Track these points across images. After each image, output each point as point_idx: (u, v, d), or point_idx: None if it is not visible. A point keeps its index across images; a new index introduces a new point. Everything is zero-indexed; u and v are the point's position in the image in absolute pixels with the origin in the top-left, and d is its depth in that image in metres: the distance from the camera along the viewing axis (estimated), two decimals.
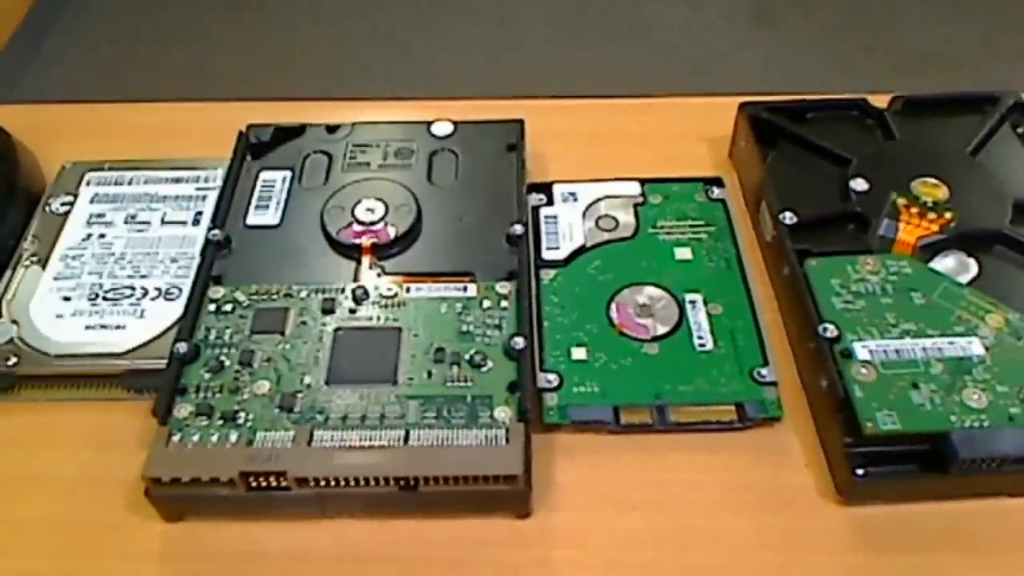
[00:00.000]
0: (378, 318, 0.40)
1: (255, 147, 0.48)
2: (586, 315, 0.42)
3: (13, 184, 0.47)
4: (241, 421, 0.36)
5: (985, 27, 1.42)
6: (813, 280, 0.41)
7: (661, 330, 0.42)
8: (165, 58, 1.42)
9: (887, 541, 0.36)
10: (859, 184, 0.45)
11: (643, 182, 0.48)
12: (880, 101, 0.50)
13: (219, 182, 0.47)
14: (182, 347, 0.39)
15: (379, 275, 0.42)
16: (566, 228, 0.46)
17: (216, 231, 0.43)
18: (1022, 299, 0.40)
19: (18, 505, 0.38)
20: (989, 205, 0.44)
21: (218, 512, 0.37)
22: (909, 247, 0.42)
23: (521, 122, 0.49)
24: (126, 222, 0.46)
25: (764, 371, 0.40)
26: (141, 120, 0.55)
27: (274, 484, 0.35)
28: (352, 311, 0.40)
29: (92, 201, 0.47)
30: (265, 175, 0.47)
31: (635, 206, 0.47)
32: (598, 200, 0.48)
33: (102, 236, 0.46)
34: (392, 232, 0.44)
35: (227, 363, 0.38)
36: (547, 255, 0.45)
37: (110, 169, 0.49)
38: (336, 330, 0.40)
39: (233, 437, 0.36)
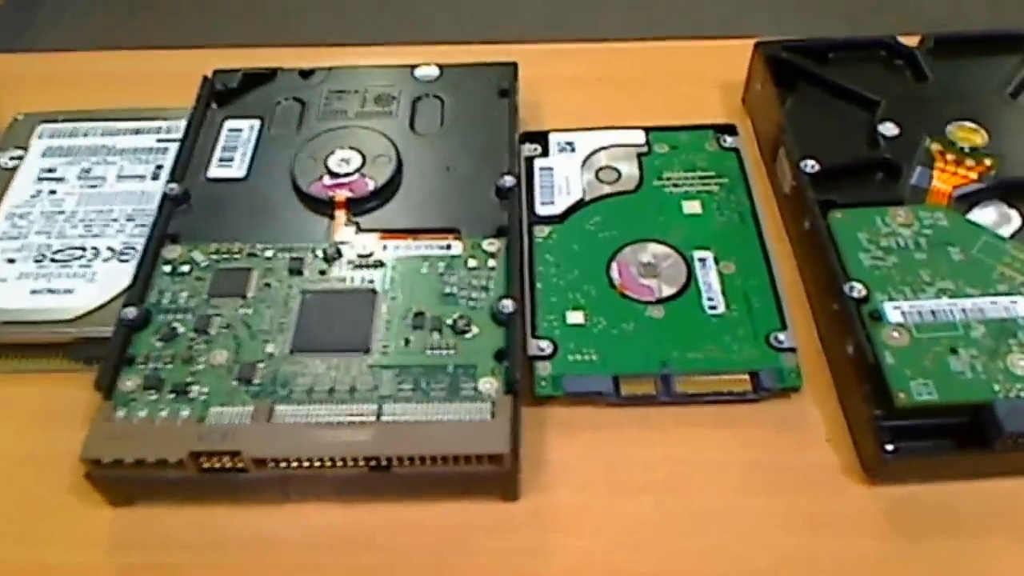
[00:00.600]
0: (351, 279, 0.36)
1: (221, 94, 0.44)
2: (584, 275, 0.38)
3: None
4: (194, 395, 0.33)
5: None
6: (838, 234, 0.37)
7: (667, 291, 0.38)
8: (133, 4, 1.37)
9: (921, 524, 0.32)
10: (888, 129, 0.40)
11: (648, 130, 0.44)
12: (910, 41, 0.45)
13: (183, 133, 0.43)
14: (130, 312, 0.35)
15: (355, 232, 0.38)
16: (562, 181, 0.42)
17: (174, 185, 0.39)
18: None
19: None
20: None
21: (170, 495, 0.33)
22: (944, 197, 0.38)
23: (514, 65, 0.45)
24: (79, 177, 0.42)
25: (782, 336, 0.36)
26: (102, 69, 0.51)
27: (228, 465, 0.31)
28: (323, 272, 0.36)
29: (44, 155, 0.43)
30: (231, 124, 0.43)
31: (639, 156, 0.43)
32: (598, 150, 0.43)
33: (52, 192, 0.42)
34: (369, 185, 0.39)
35: (181, 330, 0.35)
36: (541, 210, 0.41)
37: (64, 120, 0.45)
38: (304, 293, 0.35)
39: (185, 413, 0.32)
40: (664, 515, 0.33)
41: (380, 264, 0.37)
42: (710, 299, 0.37)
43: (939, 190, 0.38)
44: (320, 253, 0.37)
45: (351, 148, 0.41)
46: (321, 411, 0.32)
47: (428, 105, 0.44)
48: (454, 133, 0.42)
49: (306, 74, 0.45)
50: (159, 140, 0.44)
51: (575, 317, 0.37)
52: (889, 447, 0.32)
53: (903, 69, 0.45)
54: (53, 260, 0.39)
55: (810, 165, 0.39)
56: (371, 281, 0.36)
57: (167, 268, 0.37)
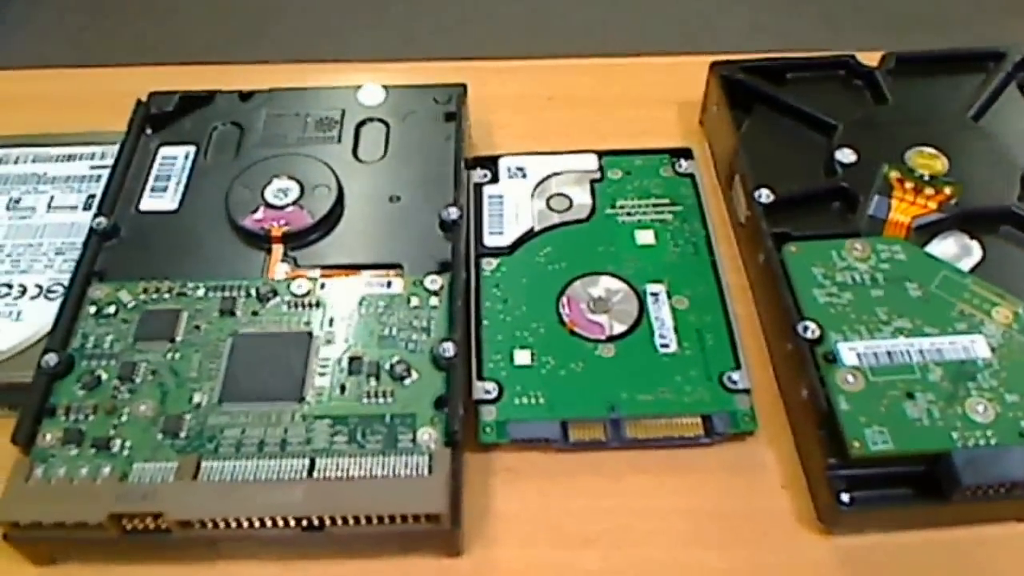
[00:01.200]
0: (286, 321, 0.34)
1: (156, 118, 0.42)
2: (532, 312, 0.37)
3: None
4: (116, 449, 0.31)
5: None
6: (792, 269, 0.35)
7: (618, 329, 0.36)
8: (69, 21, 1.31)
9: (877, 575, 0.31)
10: (846, 155, 0.39)
11: (601, 155, 0.43)
12: (870, 60, 0.44)
13: (113, 162, 0.41)
14: (52, 359, 0.33)
15: (291, 268, 0.36)
16: (512, 209, 0.41)
17: (101, 218, 0.37)
18: None
19: None
20: (994, 178, 0.38)
21: (94, 555, 0.31)
22: (903, 228, 0.37)
23: (462, 87, 0.43)
24: (8, 208, 0.40)
25: (735, 376, 0.34)
26: (34, 89, 0.49)
27: (152, 527, 0.29)
28: (256, 313, 0.35)
29: None
30: (165, 151, 0.41)
31: (592, 182, 0.42)
32: (550, 176, 0.42)
33: None
34: (307, 218, 0.38)
35: (104, 377, 0.33)
36: (490, 241, 0.39)
37: None
38: (235, 336, 0.34)
39: (106, 470, 0.30)
40: (613, 569, 0.31)
41: (317, 304, 0.35)
42: (662, 336, 0.36)
43: (897, 221, 0.37)
44: (254, 292, 0.35)
45: (289, 177, 0.39)
46: (250, 467, 0.30)
47: (372, 130, 0.42)
48: (399, 160, 0.41)
49: (245, 96, 0.43)
50: (92, 167, 0.42)
51: (522, 357, 0.35)
52: (844, 496, 0.31)
53: (862, 90, 0.43)
54: None
55: (765, 195, 0.37)
56: (307, 323, 0.34)
57: (92, 309, 0.35)
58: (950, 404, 0.31)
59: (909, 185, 0.38)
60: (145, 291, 0.35)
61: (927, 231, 0.37)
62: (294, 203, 0.38)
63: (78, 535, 0.30)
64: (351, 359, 0.33)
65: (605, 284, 0.38)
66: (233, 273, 0.36)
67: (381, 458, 0.30)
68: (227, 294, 0.35)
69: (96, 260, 0.37)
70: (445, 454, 0.31)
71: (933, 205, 0.37)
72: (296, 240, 0.37)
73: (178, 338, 0.34)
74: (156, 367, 0.33)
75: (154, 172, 0.40)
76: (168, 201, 0.39)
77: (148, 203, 0.39)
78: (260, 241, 0.37)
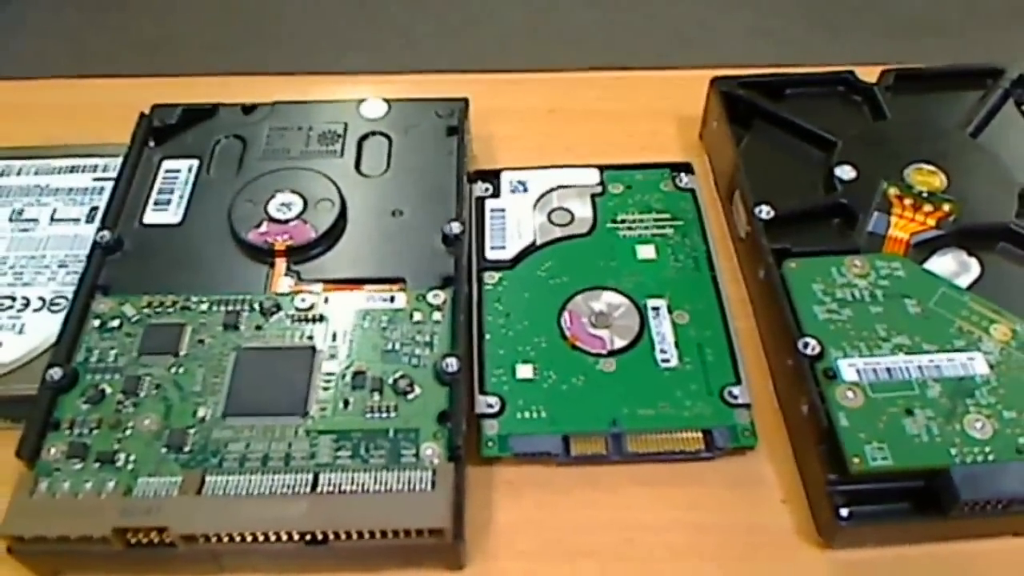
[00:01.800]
0: (290, 335, 0.35)
1: (159, 131, 0.42)
2: (534, 326, 0.37)
3: None
4: (120, 463, 0.31)
5: None
6: (792, 285, 0.35)
7: (619, 343, 0.36)
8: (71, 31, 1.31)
9: None
10: (845, 172, 0.39)
11: (602, 169, 0.43)
12: (869, 74, 0.45)
13: (117, 175, 0.41)
14: (56, 373, 0.33)
15: (295, 282, 0.37)
16: (514, 223, 0.41)
17: (105, 232, 0.37)
18: None
19: None
20: (993, 195, 0.39)
21: (98, 569, 0.31)
22: (902, 245, 0.37)
23: (464, 101, 0.44)
24: (11, 219, 0.41)
25: (736, 391, 0.35)
26: (37, 99, 0.49)
27: (156, 541, 0.30)
28: (259, 327, 0.35)
29: None
30: (168, 164, 0.41)
31: (593, 197, 0.42)
32: (551, 190, 0.42)
33: None
34: (311, 232, 0.38)
35: (109, 391, 0.33)
36: (492, 255, 0.40)
37: None
38: (239, 350, 0.34)
39: (110, 484, 0.30)
40: None
41: (321, 318, 0.35)
42: (663, 351, 0.36)
43: (896, 237, 0.37)
44: (257, 306, 0.35)
45: (292, 191, 0.39)
46: (253, 482, 0.30)
47: (374, 144, 0.42)
48: (401, 174, 0.41)
49: (248, 110, 0.43)
50: (95, 179, 0.42)
51: (524, 371, 0.36)
52: (844, 511, 0.31)
53: (861, 106, 0.44)
54: None
55: (765, 211, 0.38)
56: (310, 337, 0.34)
57: (96, 323, 0.35)
58: (949, 421, 0.31)
59: (908, 202, 0.38)
60: (149, 305, 0.35)
61: (926, 248, 0.37)
62: (297, 217, 0.38)
63: (82, 549, 0.30)
64: (354, 374, 0.33)
65: (606, 299, 0.38)
66: (236, 287, 0.36)
67: (384, 473, 0.31)
68: (231, 308, 0.35)
69: (100, 274, 0.37)
70: (448, 469, 0.31)
71: (932, 222, 0.38)
72: (299, 254, 0.38)
73: (182, 352, 0.34)
74: (160, 381, 0.33)
75: (157, 185, 0.40)
76: (171, 215, 0.39)
77: (151, 217, 0.39)
78: (263, 255, 0.37)
